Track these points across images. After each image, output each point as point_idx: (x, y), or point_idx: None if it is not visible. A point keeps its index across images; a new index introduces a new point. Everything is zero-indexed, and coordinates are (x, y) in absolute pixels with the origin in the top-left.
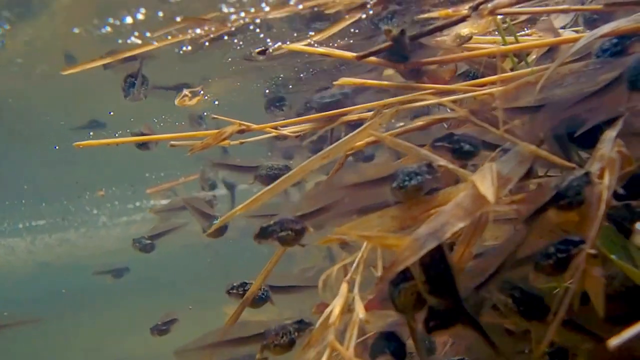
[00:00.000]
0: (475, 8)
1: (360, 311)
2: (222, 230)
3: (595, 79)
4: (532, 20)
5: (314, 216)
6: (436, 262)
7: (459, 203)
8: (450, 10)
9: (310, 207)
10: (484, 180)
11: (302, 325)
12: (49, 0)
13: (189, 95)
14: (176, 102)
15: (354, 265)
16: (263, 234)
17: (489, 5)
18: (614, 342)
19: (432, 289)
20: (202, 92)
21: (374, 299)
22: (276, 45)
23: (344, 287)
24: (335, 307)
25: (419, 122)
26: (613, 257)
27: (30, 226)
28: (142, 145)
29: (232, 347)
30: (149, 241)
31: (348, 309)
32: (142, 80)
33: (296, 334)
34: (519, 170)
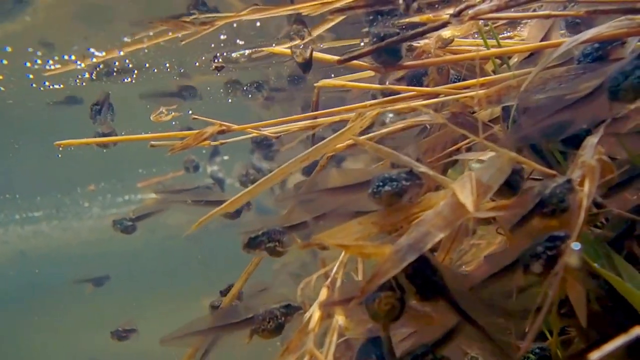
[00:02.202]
0: (456, 15)
1: (340, 317)
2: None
3: (577, 85)
4: (514, 23)
5: (301, 227)
6: (421, 271)
7: (438, 212)
8: (431, 15)
9: (298, 218)
10: (464, 189)
11: (290, 310)
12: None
13: (165, 112)
14: (152, 117)
15: (334, 269)
16: (251, 244)
17: (470, 11)
18: (594, 356)
19: (423, 297)
20: (172, 112)
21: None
22: (257, 49)
23: (323, 292)
24: (315, 312)
25: (400, 125)
26: (596, 265)
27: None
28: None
29: (221, 333)
30: (130, 223)
31: (328, 314)
32: (107, 108)
33: (283, 318)
34: (499, 178)
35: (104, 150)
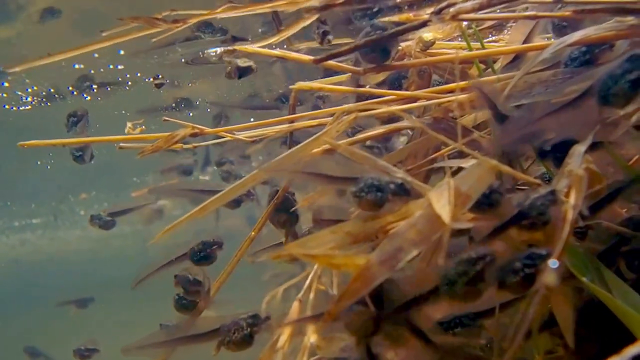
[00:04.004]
0: (437, 13)
1: (311, 334)
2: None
3: (565, 89)
4: (499, 27)
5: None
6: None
7: (413, 224)
8: (411, 15)
9: None
10: (440, 198)
11: (256, 320)
12: (25, 4)
13: (132, 126)
14: (126, 131)
15: (307, 282)
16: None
17: (451, 10)
18: None
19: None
20: (143, 125)
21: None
22: (230, 48)
23: (295, 307)
24: (285, 328)
25: (379, 130)
26: (585, 279)
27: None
28: (79, 158)
29: (185, 344)
30: (109, 218)
31: (299, 330)
32: (84, 123)
33: (249, 329)
34: (479, 187)
35: (91, 162)
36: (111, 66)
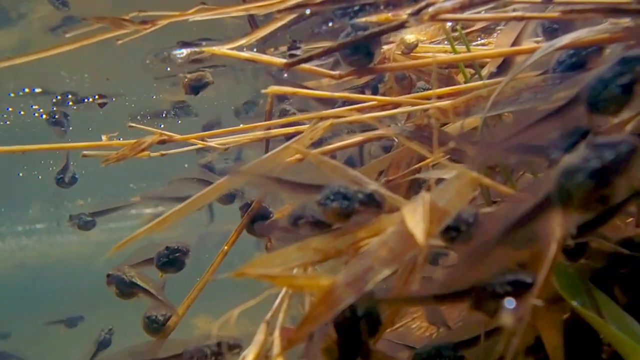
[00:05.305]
0: (415, 13)
1: None
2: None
3: (553, 95)
4: (488, 29)
5: None
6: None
7: (384, 242)
8: (390, 15)
9: None
10: (415, 214)
11: (222, 349)
12: (25, 11)
13: (106, 138)
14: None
15: (276, 302)
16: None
17: (430, 9)
18: None
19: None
20: (121, 138)
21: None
22: (199, 49)
23: (262, 329)
24: (249, 354)
25: (357, 139)
26: (575, 303)
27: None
28: (60, 180)
29: None
30: (89, 218)
31: (265, 355)
32: (64, 124)
33: (214, 358)
34: (458, 202)
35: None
36: (26, 89)
